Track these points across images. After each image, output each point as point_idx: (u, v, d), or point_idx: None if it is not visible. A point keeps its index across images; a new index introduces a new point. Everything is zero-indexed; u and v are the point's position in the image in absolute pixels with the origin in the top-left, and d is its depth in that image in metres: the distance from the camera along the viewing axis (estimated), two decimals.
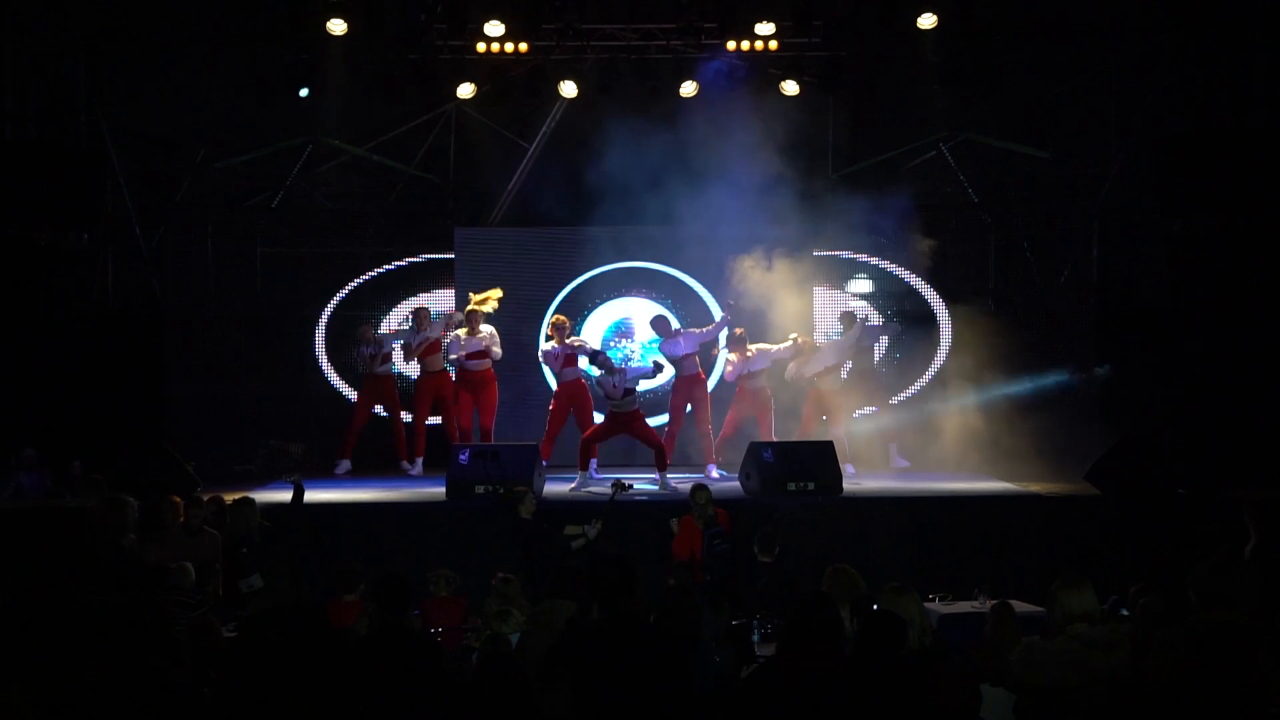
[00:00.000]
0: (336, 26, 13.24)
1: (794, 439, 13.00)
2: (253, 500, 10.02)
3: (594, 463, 12.59)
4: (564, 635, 5.30)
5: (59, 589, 6.09)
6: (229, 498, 10.28)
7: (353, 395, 14.53)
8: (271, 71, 13.55)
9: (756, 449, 11.79)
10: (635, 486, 10.95)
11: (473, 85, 14.06)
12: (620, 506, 10.22)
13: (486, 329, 13.12)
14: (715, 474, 12.75)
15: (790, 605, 5.89)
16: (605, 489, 10.89)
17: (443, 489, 11.69)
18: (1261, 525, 8.85)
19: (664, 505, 11.16)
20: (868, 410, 13.99)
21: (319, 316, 15.16)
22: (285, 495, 10.29)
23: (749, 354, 13.10)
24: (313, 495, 11.62)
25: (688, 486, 10.51)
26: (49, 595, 5.95)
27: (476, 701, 5.30)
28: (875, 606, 6.51)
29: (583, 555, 9.56)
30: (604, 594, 5.29)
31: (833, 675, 5.33)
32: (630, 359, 13.57)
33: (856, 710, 5.12)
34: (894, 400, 14.59)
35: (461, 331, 13.04)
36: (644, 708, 5.01)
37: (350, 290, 15.33)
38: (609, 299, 14.85)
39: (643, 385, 12.83)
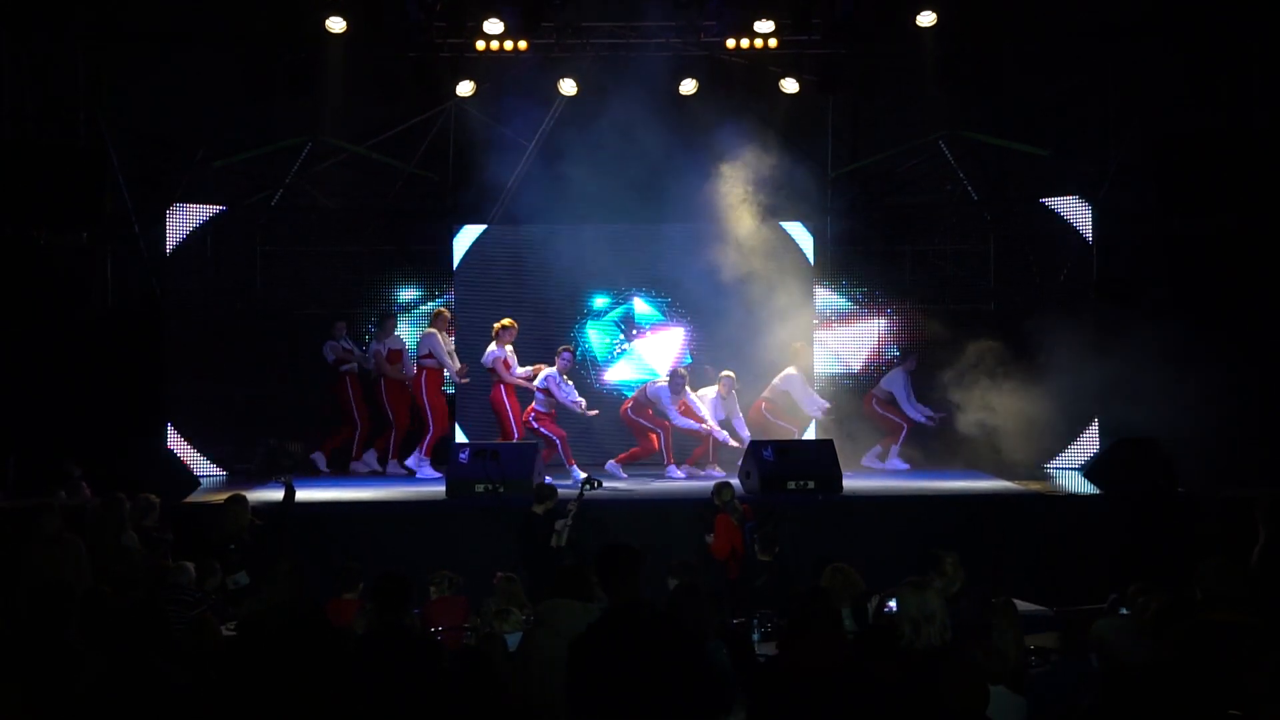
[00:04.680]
0: (335, 24, 13.26)
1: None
2: (244, 498, 10.03)
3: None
4: (576, 640, 5.29)
5: (60, 589, 6.06)
6: (220, 496, 10.30)
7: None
8: (271, 70, 13.53)
9: (756, 448, 11.80)
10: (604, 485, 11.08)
11: (472, 83, 14.08)
12: (587, 504, 10.26)
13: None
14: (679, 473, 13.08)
15: (789, 604, 5.89)
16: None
17: (443, 488, 11.71)
18: (1271, 525, 8.82)
19: (641, 505, 11.44)
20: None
21: (318, 315, 15.14)
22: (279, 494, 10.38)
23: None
24: (313, 494, 11.65)
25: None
26: (50, 594, 5.93)
27: (454, 695, 5.31)
28: (891, 604, 6.47)
29: (568, 553, 9.61)
30: (610, 577, 5.29)
31: (835, 670, 5.32)
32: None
33: (867, 706, 5.11)
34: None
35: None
36: (660, 700, 4.98)
37: (349, 288, 15.30)
38: (608, 298, 14.86)
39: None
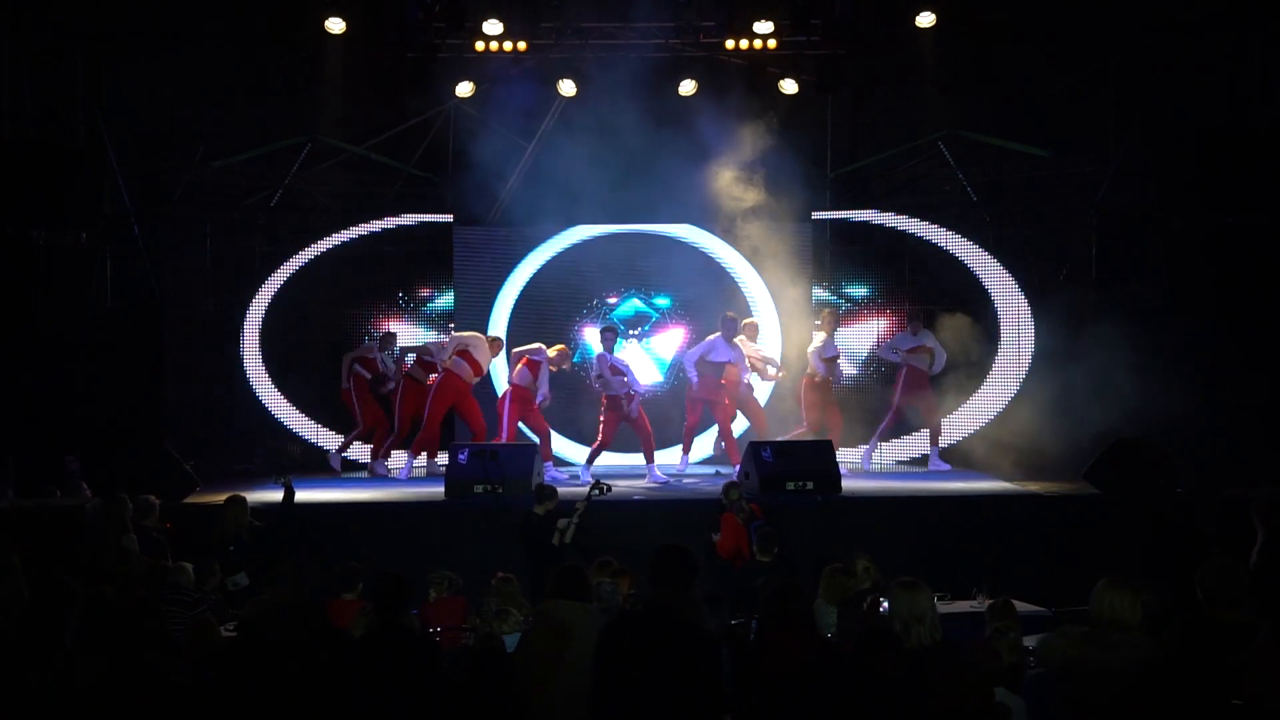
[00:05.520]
0: (335, 25, 13.27)
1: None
2: (243, 499, 10.03)
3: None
4: (606, 625, 5.27)
5: (59, 587, 6.05)
6: (220, 497, 10.30)
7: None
8: (271, 70, 13.54)
9: (755, 448, 11.79)
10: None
11: (471, 84, 14.08)
12: (595, 505, 10.23)
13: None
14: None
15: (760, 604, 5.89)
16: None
17: (442, 488, 11.71)
18: (1269, 525, 8.82)
19: (641, 505, 11.42)
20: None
21: (317, 315, 15.13)
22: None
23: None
24: (312, 495, 11.65)
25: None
26: (50, 593, 5.92)
27: (467, 698, 5.31)
28: (885, 604, 6.47)
29: (571, 552, 9.61)
30: (665, 574, 5.24)
31: (814, 668, 5.32)
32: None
33: (856, 705, 5.11)
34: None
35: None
36: (677, 703, 4.98)
37: (349, 289, 15.29)
38: (608, 298, 14.86)
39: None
